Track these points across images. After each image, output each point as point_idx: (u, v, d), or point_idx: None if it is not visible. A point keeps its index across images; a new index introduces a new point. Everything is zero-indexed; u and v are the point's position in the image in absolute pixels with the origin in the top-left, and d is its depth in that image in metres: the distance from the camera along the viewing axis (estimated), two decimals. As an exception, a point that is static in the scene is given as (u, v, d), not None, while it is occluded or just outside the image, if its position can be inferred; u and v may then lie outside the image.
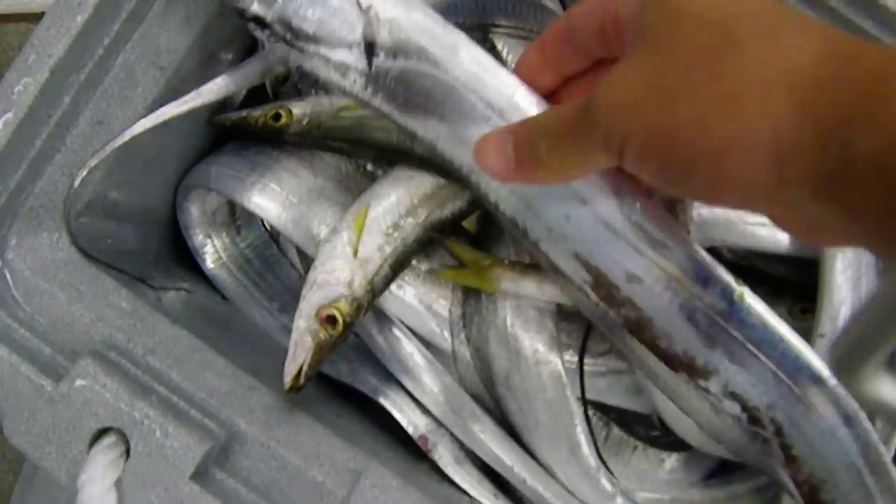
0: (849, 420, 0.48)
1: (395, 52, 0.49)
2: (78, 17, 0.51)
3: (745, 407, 0.50)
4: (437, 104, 0.49)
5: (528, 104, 0.47)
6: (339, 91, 0.51)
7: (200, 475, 0.49)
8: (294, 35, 0.49)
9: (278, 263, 0.69)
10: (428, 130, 0.51)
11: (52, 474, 0.50)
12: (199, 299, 0.64)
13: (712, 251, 0.64)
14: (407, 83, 0.49)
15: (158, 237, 0.66)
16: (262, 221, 0.69)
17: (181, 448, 0.49)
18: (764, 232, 0.60)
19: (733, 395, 0.50)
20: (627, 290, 0.48)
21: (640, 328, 0.49)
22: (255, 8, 0.49)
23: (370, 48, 0.50)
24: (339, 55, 0.49)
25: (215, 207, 0.66)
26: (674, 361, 0.49)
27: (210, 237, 0.67)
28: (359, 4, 0.49)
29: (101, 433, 0.49)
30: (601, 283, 0.48)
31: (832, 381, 0.47)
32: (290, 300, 0.66)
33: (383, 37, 0.49)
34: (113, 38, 0.53)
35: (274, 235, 0.69)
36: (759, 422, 0.51)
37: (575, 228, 0.48)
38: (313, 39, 0.49)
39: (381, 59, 0.50)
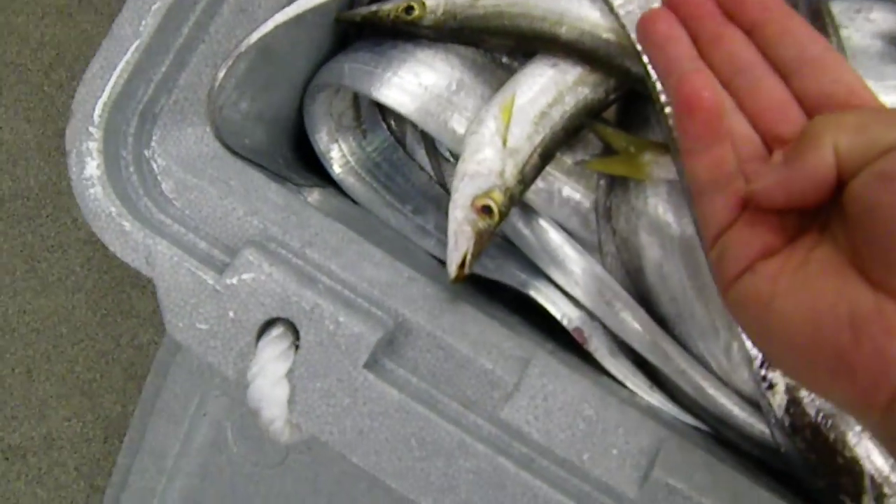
0: None
1: None
2: None
3: None
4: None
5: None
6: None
7: (373, 364, 0.48)
8: None
9: (407, 166, 0.67)
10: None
11: (218, 369, 0.49)
12: (334, 201, 0.62)
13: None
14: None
15: (287, 142, 0.65)
16: (388, 125, 0.67)
17: (353, 337, 0.47)
18: None
19: None
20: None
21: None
22: None
23: None
24: None
25: (341, 111, 0.65)
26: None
27: (336, 141, 0.65)
28: None
29: (269, 324, 0.48)
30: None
31: None
32: (422, 202, 0.65)
33: None
34: (257, -76, 0.52)
35: (400, 139, 0.67)
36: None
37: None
38: None
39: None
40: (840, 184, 0.39)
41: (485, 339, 0.51)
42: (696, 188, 0.44)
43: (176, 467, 0.76)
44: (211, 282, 0.49)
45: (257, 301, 0.48)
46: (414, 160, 0.67)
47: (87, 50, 0.93)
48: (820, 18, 0.56)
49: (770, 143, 0.44)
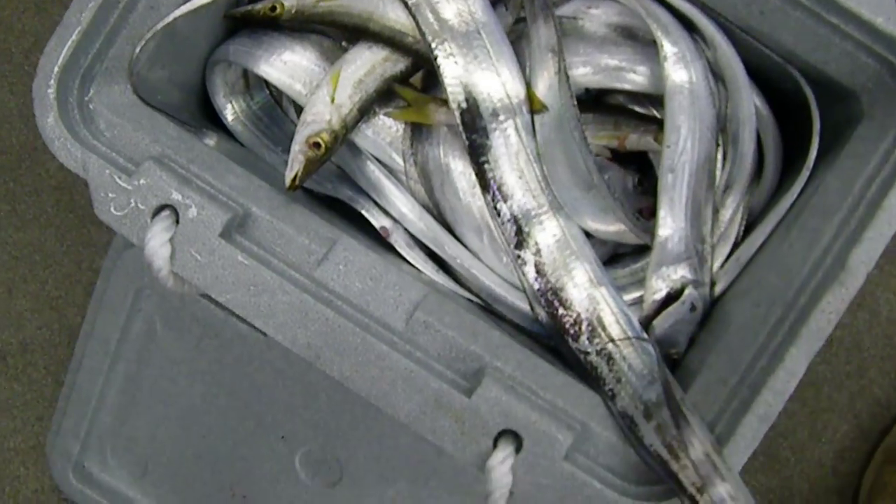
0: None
1: None
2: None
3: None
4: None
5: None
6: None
7: (226, 235, 0.74)
8: None
9: (281, 120, 0.93)
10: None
11: (127, 237, 0.74)
12: (225, 143, 0.88)
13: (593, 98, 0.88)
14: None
15: (194, 101, 0.91)
16: (270, 91, 0.93)
17: (212, 216, 0.73)
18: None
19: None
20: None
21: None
22: None
23: None
24: None
25: (234, 79, 0.90)
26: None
27: (230, 100, 0.90)
28: None
29: (160, 209, 0.74)
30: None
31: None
32: (289, 145, 0.90)
33: None
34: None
35: (278, 100, 0.93)
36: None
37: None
38: None
39: None
40: None
41: (307, 225, 0.76)
42: None
43: (117, 352, 1.00)
44: (123, 184, 0.74)
45: (151, 194, 0.73)
46: (287, 116, 0.93)
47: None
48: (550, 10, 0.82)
49: None
